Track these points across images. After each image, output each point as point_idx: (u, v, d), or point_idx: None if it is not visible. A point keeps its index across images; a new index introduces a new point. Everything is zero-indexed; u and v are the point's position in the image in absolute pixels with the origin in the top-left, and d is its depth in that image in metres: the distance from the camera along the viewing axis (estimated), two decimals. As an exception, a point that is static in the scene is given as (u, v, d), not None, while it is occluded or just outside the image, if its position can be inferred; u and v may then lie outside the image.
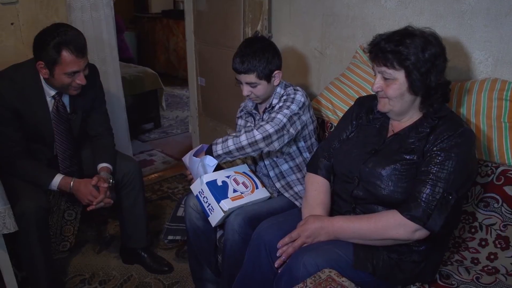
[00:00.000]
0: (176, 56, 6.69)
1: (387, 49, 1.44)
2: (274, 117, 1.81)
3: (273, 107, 1.94)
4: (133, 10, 7.12)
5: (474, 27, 1.85)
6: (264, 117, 2.00)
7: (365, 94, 2.01)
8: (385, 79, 1.49)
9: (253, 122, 2.07)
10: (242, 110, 2.13)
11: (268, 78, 1.88)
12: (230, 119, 3.05)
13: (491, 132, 1.73)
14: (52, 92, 2.06)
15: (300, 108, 1.87)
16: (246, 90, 1.91)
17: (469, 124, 1.75)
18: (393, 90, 1.47)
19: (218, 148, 1.82)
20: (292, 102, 1.86)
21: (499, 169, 1.67)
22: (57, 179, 2.05)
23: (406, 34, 1.45)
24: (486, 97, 1.75)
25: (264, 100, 1.97)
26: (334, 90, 2.21)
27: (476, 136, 1.56)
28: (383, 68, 1.47)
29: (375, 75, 1.53)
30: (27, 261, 2.03)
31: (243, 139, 1.78)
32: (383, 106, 1.55)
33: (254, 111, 2.05)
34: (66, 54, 1.88)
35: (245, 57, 1.84)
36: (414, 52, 1.41)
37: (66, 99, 2.13)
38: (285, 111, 1.83)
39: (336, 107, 2.17)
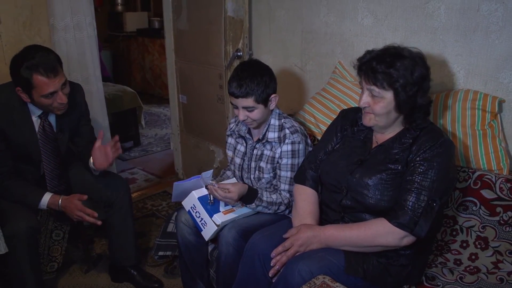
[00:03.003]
0: (152, 74, 6.71)
1: (378, 70, 1.50)
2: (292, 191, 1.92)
3: (268, 141, 1.95)
4: (107, 29, 7.13)
5: (446, 42, 1.97)
6: (257, 146, 2.00)
7: (346, 107, 2.09)
8: (373, 96, 1.55)
9: (244, 144, 2.07)
10: (233, 131, 2.11)
11: (265, 102, 1.87)
12: (212, 135, 3.10)
13: (467, 140, 1.83)
14: (38, 112, 2.08)
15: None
16: (242, 115, 1.88)
17: (446, 132, 1.86)
18: (380, 107, 1.54)
19: (258, 208, 1.89)
20: (298, 157, 1.92)
21: (476, 174, 1.77)
22: (46, 198, 2.06)
23: (396, 55, 1.51)
24: (460, 107, 1.86)
25: (259, 124, 1.96)
26: (316, 104, 2.30)
27: (455, 145, 1.65)
28: (372, 87, 1.53)
29: (362, 91, 1.60)
30: (18, 282, 2.01)
31: (272, 211, 1.92)
32: (368, 120, 1.61)
33: (248, 136, 2.05)
34: (37, 78, 1.88)
35: (242, 81, 1.82)
36: (404, 75, 1.48)
37: (52, 119, 2.14)
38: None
39: (318, 121, 2.25)
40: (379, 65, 1.51)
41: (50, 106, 1.99)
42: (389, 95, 1.52)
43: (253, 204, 1.86)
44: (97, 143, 2.09)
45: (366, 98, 1.57)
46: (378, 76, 1.51)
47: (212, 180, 1.94)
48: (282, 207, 1.92)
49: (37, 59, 1.89)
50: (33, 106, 2.05)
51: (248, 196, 1.85)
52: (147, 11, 7.15)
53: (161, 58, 6.38)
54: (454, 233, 1.81)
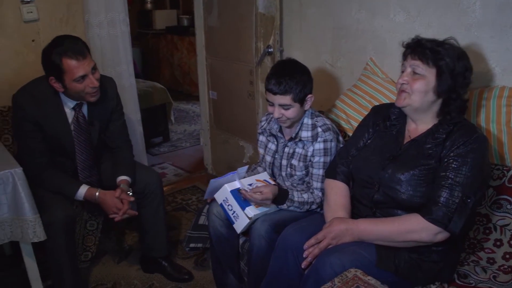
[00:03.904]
0: (180, 71, 6.78)
1: (428, 46, 1.54)
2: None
3: (301, 140, 1.96)
4: (136, 26, 7.23)
5: (481, 38, 1.94)
6: (289, 144, 2.01)
7: (378, 103, 2.09)
8: (414, 73, 1.56)
9: (276, 143, 2.08)
10: (264, 129, 2.14)
11: (301, 101, 1.88)
12: (242, 131, 3.13)
13: (502, 137, 1.81)
14: (71, 104, 2.14)
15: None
16: (277, 112, 1.88)
17: (480, 129, 1.84)
18: (420, 84, 1.54)
19: (290, 208, 1.91)
20: (330, 155, 1.93)
21: (511, 172, 1.74)
22: (83, 189, 2.12)
23: (445, 42, 1.57)
24: (495, 104, 1.84)
25: (292, 123, 1.97)
26: (347, 100, 2.30)
27: (488, 141, 1.64)
28: (417, 62, 1.55)
29: (402, 72, 1.61)
30: (55, 269, 2.08)
31: (304, 210, 1.93)
32: (402, 100, 1.60)
33: (279, 135, 2.06)
34: (67, 61, 1.95)
35: (282, 78, 1.83)
36: (451, 56, 1.52)
37: (84, 110, 2.20)
38: None
39: (350, 117, 2.26)
40: (429, 42, 1.55)
41: (83, 92, 2.04)
42: (431, 75, 1.54)
43: (285, 205, 1.89)
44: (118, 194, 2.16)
45: (406, 75, 1.58)
46: (426, 51, 1.53)
47: (246, 173, 1.97)
48: (314, 206, 1.94)
49: (66, 45, 1.96)
50: (66, 97, 2.11)
51: (279, 197, 1.87)
52: (176, 9, 7.23)
53: (189, 56, 6.44)
54: (487, 231, 1.78)
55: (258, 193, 1.82)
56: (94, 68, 2.05)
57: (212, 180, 1.95)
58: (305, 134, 1.95)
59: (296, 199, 1.90)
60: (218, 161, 3.56)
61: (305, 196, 1.92)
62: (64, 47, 1.95)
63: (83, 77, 2.00)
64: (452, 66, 1.52)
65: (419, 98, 1.57)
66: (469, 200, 1.47)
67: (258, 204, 1.87)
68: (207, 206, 2.14)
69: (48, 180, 2.12)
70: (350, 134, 2.15)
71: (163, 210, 2.40)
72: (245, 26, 2.80)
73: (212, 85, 3.32)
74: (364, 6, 2.36)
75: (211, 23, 3.15)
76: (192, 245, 2.26)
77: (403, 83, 1.59)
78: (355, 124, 2.07)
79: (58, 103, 2.12)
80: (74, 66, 1.96)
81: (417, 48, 1.56)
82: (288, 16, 2.79)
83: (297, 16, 2.74)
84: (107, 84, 2.23)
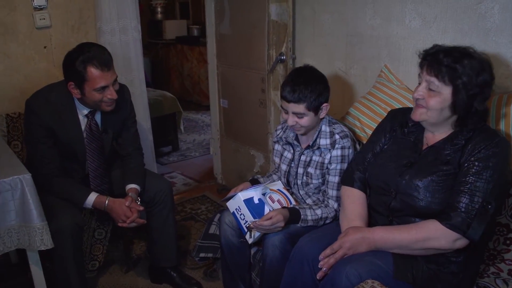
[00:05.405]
0: (190, 81, 6.78)
1: (444, 62, 1.45)
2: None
3: (319, 148, 1.93)
4: (147, 36, 7.27)
5: (499, 43, 1.90)
6: (305, 152, 1.98)
7: (393, 110, 2.05)
8: (430, 89, 1.50)
9: (292, 151, 2.04)
10: (280, 137, 2.10)
11: (316, 110, 1.85)
12: (253, 140, 3.10)
13: (523, 144, 1.75)
14: (85, 111, 2.12)
15: None
16: (291, 120, 1.86)
17: (500, 137, 1.79)
18: (435, 102, 1.49)
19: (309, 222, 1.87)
20: (347, 162, 1.89)
21: (533, 181, 1.69)
22: (92, 197, 2.09)
23: (466, 54, 1.47)
24: (515, 110, 1.78)
25: (307, 131, 1.94)
26: (362, 108, 2.26)
27: (511, 145, 1.58)
28: (433, 79, 1.48)
29: (419, 83, 1.55)
30: (61, 278, 2.04)
31: (319, 225, 1.88)
32: (419, 115, 1.56)
33: (295, 143, 2.03)
34: (91, 70, 1.93)
35: (296, 86, 1.80)
36: (469, 74, 1.43)
37: (98, 118, 2.18)
38: None
39: (364, 125, 2.21)
40: (446, 58, 1.46)
41: (100, 102, 2.03)
42: (447, 91, 1.47)
43: (298, 224, 1.85)
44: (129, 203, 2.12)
45: (422, 90, 1.52)
46: (442, 69, 1.45)
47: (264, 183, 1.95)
48: (329, 221, 1.90)
49: (93, 53, 1.94)
50: (81, 105, 2.10)
51: (291, 218, 1.83)
52: (186, 19, 7.26)
53: (199, 66, 6.45)
54: (508, 242, 1.72)
55: (268, 220, 1.76)
56: (115, 80, 2.04)
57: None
58: (324, 141, 1.92)
59: (309, 218, 1.85)
60: (228, 170, 3.53)
61: (319, 212, 1.88)
62: (91, 55, 1.94)
63: (104, 88, 1.98)
64: (469, 85, 1.44)
65: (435, 115, 1.52)
66: (489, 206, 1.41)
67: (271, 231, 1.81)
68: (218, 215, 2.10)
69: (57, 187, 2.09)
70: (365, 142, 2.10)
71: (173, 218, 2.36)
72: (257, 33, 2.78)
73: (223, 93, 3.30)
74: (378, 12, 2.33)
75: (222, 31, 3.14)
76: (202, 254, 2.22)
77: (418, 98, 1.53)
78: (370, 132, 2.03)
79: (73, 110, 2.11)
80: (97, 76, 1.94)
81: (433, 64, 1.48)
82: (301, 23, 2.77)
83: (310, 23, 2.71)
84: (121, 92, 2.21)
